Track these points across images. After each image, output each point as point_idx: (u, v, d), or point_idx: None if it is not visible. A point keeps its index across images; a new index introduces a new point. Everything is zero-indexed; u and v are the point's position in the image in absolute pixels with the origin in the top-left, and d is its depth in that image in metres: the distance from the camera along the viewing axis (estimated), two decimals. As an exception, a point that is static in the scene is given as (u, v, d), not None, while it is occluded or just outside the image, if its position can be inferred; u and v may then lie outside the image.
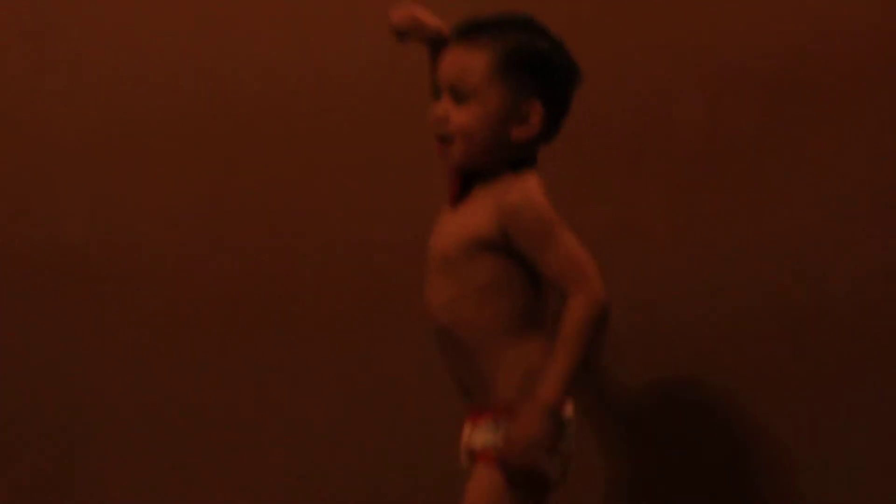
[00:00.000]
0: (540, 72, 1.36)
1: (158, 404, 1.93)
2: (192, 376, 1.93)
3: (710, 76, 1.87)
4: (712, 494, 1.89)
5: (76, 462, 1.95)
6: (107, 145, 1.91)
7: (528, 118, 1.33)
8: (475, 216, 1.32)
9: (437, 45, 1.40)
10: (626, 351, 1.87)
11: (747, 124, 1.87)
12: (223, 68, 1.85)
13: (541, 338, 1.29)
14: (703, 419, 1.94)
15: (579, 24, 1.76)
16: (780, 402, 1.88)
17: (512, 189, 1.30)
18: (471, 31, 1.36)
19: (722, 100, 1.87)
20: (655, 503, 1.94)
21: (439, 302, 1.34)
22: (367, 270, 1.90)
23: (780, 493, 1.91)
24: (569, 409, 1.32)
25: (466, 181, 1.35)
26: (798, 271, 1.88)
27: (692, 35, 1.87)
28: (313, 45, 1.88)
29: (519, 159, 1.34)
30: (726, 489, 1.88)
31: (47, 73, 1.88)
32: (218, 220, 1.91)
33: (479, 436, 1.32)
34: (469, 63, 1.32)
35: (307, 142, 1.89)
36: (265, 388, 1.92)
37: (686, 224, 1.89)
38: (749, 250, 1.89)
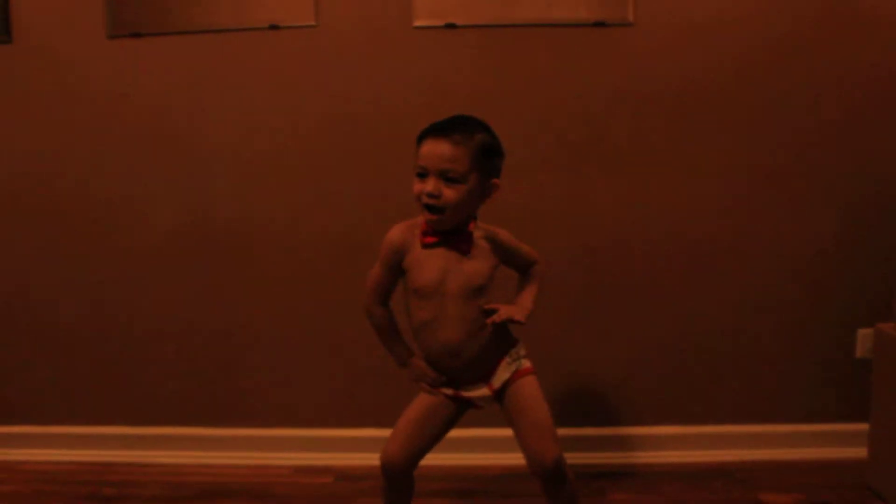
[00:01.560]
0: (495, 158, 1.82)
1: (288, 331, 2.55)
2: (308, 311, 2.53)
3: (631, 101, 2.43)
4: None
5: (232, 371, 2.59)
6: (247, 155, 2.49)
7: (491, 191, 1.82)
8: (484, 263, 1.82)
9: None
10: (579, 282, 2.50)
11: (655, 130, 2.46)
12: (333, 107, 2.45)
13: None
14: (632, 324, 2.51)
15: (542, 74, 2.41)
16: (677, 307, 2.50)
17: (497, 232, 1.86)
18: (448, 131, 1.76)
19: (638, 115, 2.45)
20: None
21: (464, 321, 1.80)
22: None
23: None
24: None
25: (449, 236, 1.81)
26: (690, 227, 2.47)
27: (619, 75, 2.42)
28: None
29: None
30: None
31: (205, 101, 2.47)
32: (321, 207, 2.49)
33: (503, 372, 1.85)
34: (453, 154, 1.74)
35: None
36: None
37: (617, 197, 2.47)
38: (659, 214, 2.47)
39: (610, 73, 2.42)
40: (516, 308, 1.81)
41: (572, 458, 2.41)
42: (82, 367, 2.62)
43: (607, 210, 2.47)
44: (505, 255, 1.87)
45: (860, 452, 2.36)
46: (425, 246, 1.81)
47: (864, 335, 2.48)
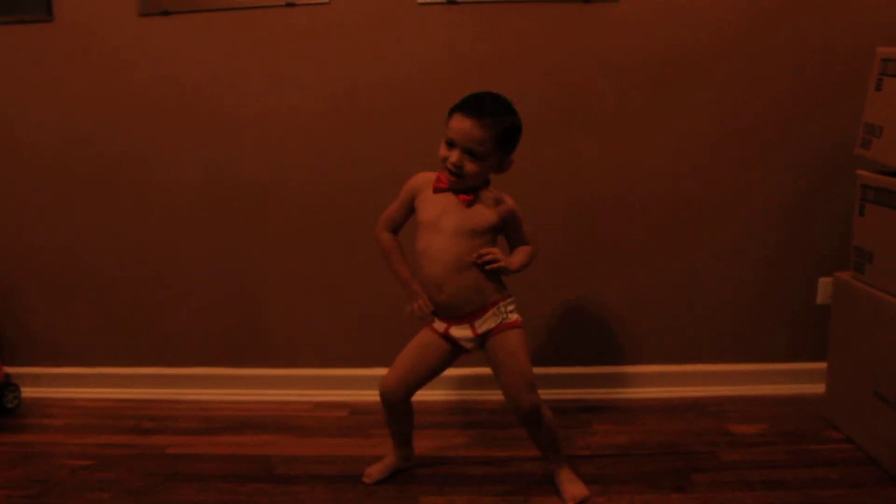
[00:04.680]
0: (516, 139, 1.96)
1: (307, 281, 2.71)
2: (326, 263, 2.68)
3: (616, 71, 2.50)
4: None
5: (256, 317, 2.76)
6: (267, 122, 2.61)
7: (507, 166, 1.98)
8: (485, 214, 1.96)
9: None
10: (565, 234, 2.63)
11: (637, 98, 2.50)
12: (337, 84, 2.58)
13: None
14: (613, 275, 2.66)
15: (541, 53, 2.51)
16: (655, 258, 2.64)
17: (504, 198, 1.97)
18: (480, 113, 1.87)
19: (622, 84, 2.51)
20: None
21: (450, 256, 1.94)
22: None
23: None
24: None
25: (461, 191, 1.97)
26: (666, 185, 2.60)
27: (605, 47, 2.50)
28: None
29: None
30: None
31: (229, 73, 2.59)
32: (335, 166, 2.62)
33: (490, 321, 1.99)
34: (481, 137, 1.88)
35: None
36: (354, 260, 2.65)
37: (601, 157, 2.58)
38: (639, 172, 2.59)
39: (597, 46, 2.51)
40: (504, 257, 1.97)
41: (561, 394, 2.63)
42: (123, 315, 2.79)
43: (592, 169, 2.59)
44: (506, 221, 1.99)
45: (818, 388, 2.52)
46: (436, 190, 1.99)
47: (824, 283, 2.61)
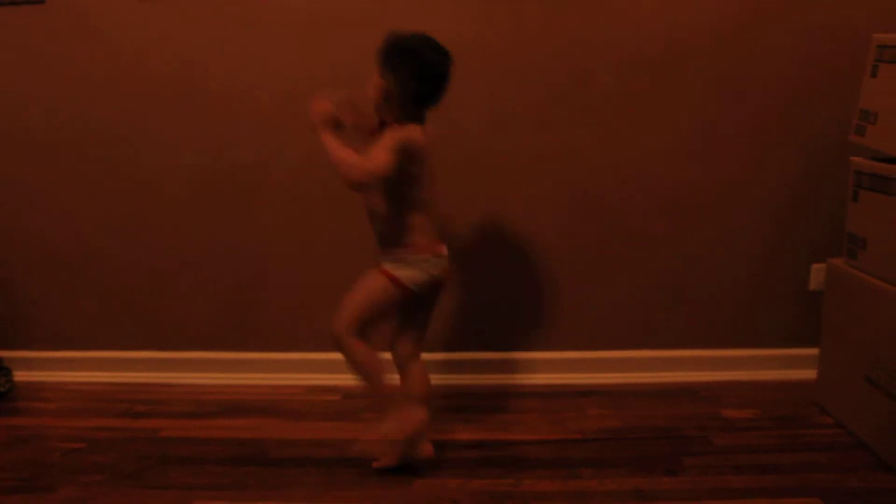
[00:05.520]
0: (395, 58, 1.93)
1: (299, 266, 2.71)
2: (317, 248, 2.69)
3: (616, 59, 2.50)
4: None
5: (249, 302, 2.76)
6: (260, 104, 2.60)
7: (388, 91, 1.93)
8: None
9: None
10: (563, 220, 2.63)
11: (638, 83, 2.49)
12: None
13: (419, 215, 1.99)
14: (610, 261, 2.68)
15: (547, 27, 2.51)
16: (652, 245, 2.65)
17: (396, 130, 1.90)
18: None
19: (622, 73, 2.51)
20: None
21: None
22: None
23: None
24: (444, 249, 2.05)
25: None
26: (663, 171, 2.60)
27: (607, 32, 2.49)
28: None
29: (410, 116, 1.95)
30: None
31: (223, 55, 2.58)
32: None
33: (387, 262, 2.03)
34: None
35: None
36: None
37: (602, 143, 2.59)
38: (637, 158, 2.60)
39: (597, 33, 2.51)
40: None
41: (555, 378, 2.64)
42: (117, 300, 2.79)
43: (591, 157, 2.59)
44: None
45: (810, 374, 2.53)
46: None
47: (817, 269, 2.62)
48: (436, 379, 2.64)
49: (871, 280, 2.21)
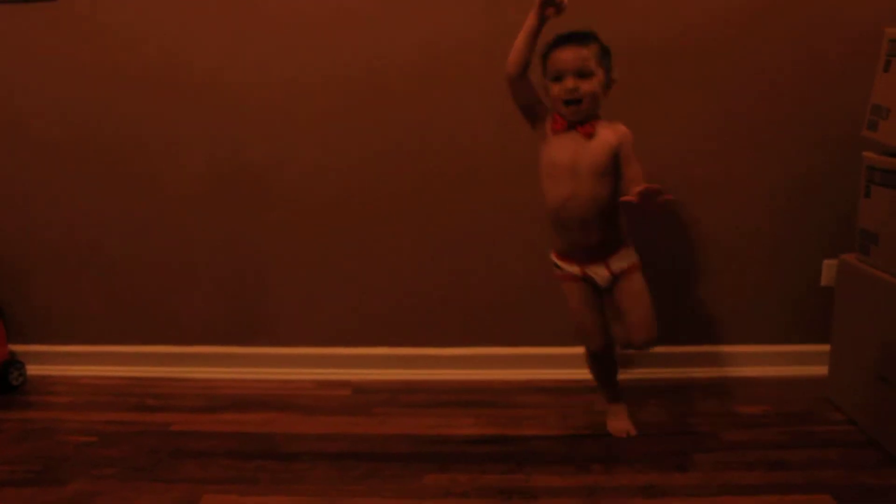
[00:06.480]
0: (610, 56, 2.07)
1: (309, 262, 2.71)
2: (326, 245, 2.69)
3: (622, 53, 2.28)
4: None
5: (260, 297, 2.76)
6: (271, 102, 2.60)
7: (611, 85, 2.08)
8: (606, 138, 2.05)
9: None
10: None
11: (644, 78, 2.48)
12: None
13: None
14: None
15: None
16: (663, 240, 2.64)
17: (618, 126, 2.07)
18: (575, 38, 2.02)
19: (629, 67, 2.35)
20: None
21: (588, 195, 2.05)
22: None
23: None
24: None
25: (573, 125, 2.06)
26: (674, 167, 2.56)
27: (609, 27, 2.40)
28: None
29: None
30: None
31: (234, 54, 2.57)
32: (338, 147, 2.61)
33: (619, 262, 2.14)
34: (586, 54, 2.02)
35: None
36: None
37: None
38: (648, 157, 2.25)
39: (601, 27, 2.36)
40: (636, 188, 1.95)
41: (566, 374, 2.65)
42: (129, 295, 2.80)
43: None
44: (622, 143, 2.07)
45: (822, 370, 2.52)
46: (555, 132, 2.08)
47: (828, 265, 2.61)
48: (445, 374, 2.71)
49: (883, 276, 2.19)
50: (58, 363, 2.85)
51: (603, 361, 2.27)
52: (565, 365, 2.69)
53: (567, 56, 2.02)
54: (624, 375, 2.64)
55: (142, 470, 2.16)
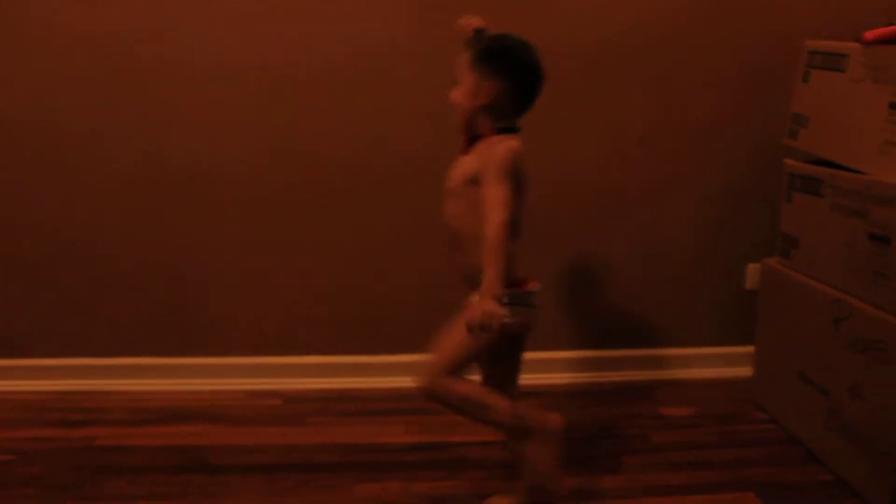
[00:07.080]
0: (495, 62, 1.74)
1: (237, 271, 2.65)
2: (254, 255, 2.64)
3: (548, 58, 2.12)
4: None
5: (188, 293, 2.68)
6: (204, 99, 2.52)
7: (488, 94, 1.73)
8: (472, 161, 1.74)
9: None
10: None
11: (574, 86, 2.46)
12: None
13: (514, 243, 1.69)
14: (549, 264, 2.58)
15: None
16: (591, 246, 2.67)
17: (496, 145, 1.70)
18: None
19: (554, 73, 2.20)
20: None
21: (452, 214, 1.78)
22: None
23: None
24: (535, 284, 1.81)
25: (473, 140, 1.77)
26: (601, 174, 2.61)
27: (537, 33, 2.43)
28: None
29: (503, 127, 1.75)
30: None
31: (166, 47, 2.48)
32: (273, 146, 2.55)
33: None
34: (461, 61, 1.78)
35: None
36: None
37: (531, 147, 2.17)
38: (571, 164, 2.59)
39: (529, 32, 2.41)
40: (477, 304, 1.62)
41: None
42: (49, 303, 2.68)
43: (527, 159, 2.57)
44: (480, 170, 1.73)
45: (747, 371, 2.59)
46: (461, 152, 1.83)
47: (752, 269, 2.67)
48: (377, 382, 2.69)
49: (804, 279, 2.26)
50: (-26, 379, 2.73)
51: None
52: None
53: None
54: (551, 380, 2.70)
55: (65, 488, 2.09)
